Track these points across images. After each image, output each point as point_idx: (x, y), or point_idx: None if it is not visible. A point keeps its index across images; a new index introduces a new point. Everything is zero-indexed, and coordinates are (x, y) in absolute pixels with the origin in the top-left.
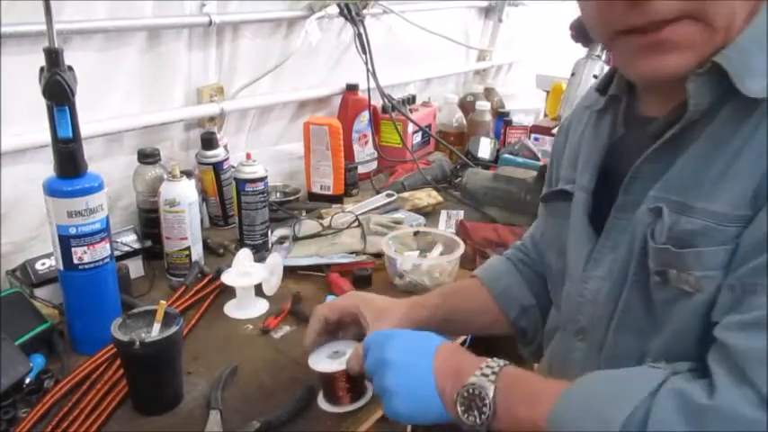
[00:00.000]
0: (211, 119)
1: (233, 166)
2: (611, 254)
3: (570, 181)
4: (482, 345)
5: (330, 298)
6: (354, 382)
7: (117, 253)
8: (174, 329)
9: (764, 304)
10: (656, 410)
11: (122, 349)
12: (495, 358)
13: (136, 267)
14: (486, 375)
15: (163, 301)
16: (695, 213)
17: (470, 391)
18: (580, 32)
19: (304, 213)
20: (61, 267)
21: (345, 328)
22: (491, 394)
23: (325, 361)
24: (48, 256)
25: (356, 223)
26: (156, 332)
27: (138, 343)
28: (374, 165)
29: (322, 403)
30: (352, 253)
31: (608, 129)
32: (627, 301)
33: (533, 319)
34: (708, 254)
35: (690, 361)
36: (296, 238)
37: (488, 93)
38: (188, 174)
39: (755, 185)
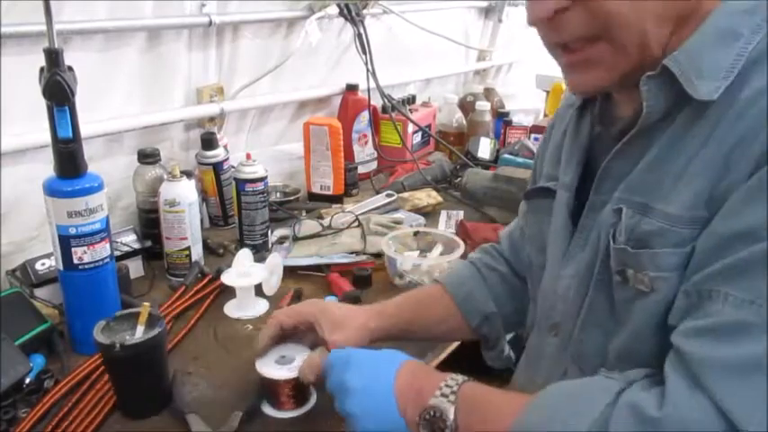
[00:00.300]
0: (211, 119)
1: (233, 167)
2: (582, 252)
3: (553, 178)
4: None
5: (329, 299)
6: (299, 389)
7: (117, 253)
8: (155, 332)
9: (719, 311)
10: (613, 423)
11: (104, 352)
12: (454, 375)
13: (136, 267)
14: (445, 396)
15: (146, 304)
16: (654, 215)
17: (431, 413)
18: None
19: (304, 213)
20: (61, 267)
21: (302, 335)
22: (452, 416)
23: (273, 366)
24: (48, 256)
25: (356, 223)
26: (139, 334)
27: (118, 345)
28: (374, 165)
29: (266, 408)
30: (352, 253)
31: (588, 127)
32: (592, 299)
33: (495, 327)
34: (661, 255)
35: (650, 359)
36: (296, 238)
37: (488, 93)
38: (188, 174)
39: (710, 187)
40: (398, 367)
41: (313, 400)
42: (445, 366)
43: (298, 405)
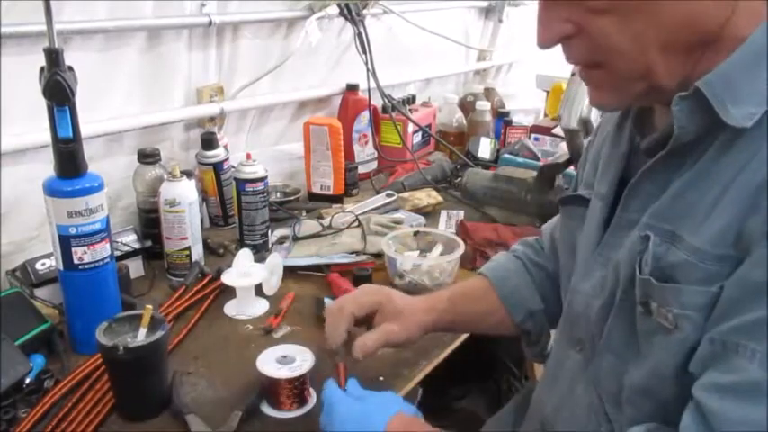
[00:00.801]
0: (211, 119)
1: (233, 167)
2: (601, 270)
3: (590, 185)
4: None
5: (329, 300)
6: (299, 389)
7: (117, 253)
8: (158, 335)
9: (745, 368)
10: None
11: (106, 354)
12: None
13: (136, 267)
14: None
15: (149, 306)
16: (681, 245)
17: None
18: None
19: (304, 213)
20: (61, 267)
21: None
22: None
23: (274, 365)
24: (48, 256)
25: (356, 223)
26: (141, 337)
27: (121, 348)
28: (374, 165)
29: (265, 408)
30: (352, 253)
31: (627, 135)
32: (612, 325)
33: (539, 323)
34: (687, 292)
35: (668, 400)
36: (296, 238)
37: (488, 93)
38: (188, 174)
39: (738, 224)
40: (388, 421)
41: (312, 401)
42: (448, 366)
43: (297, 405)
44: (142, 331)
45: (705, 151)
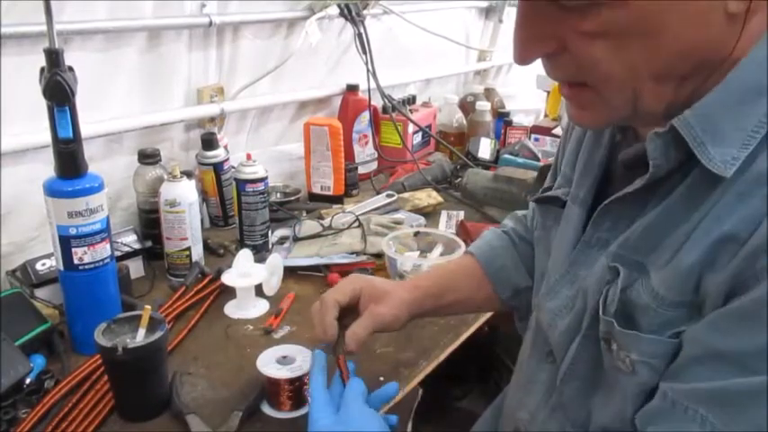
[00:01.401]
0: (212, 119)
1: (233, 167)
2: (568, 289)
3: (567, 183)
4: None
5: None
6: (299, 390)
7: (117, 253)
8: (157, 335)
9: None
10: None
11: (105, 355)
12: None
13: (136, 268)
14: None
15: (147, 306)
16: (647, 283)
17: None
18: None
19: (304, 214)
20: (61, 268)
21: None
22: None
23: (274, 366)
24: (48, 256)
25: (356, 224)
26: (140, 338)
27: (120, 349)
28: (374, 165)
29: (265, 408)
30: (352, 253)
31: (608, 138)
32: (576, 352)
33: (526, 299)
34: (646, 340)
35: None
36: (296, 239)
37: (488, 93)
38: (188, 174)
39: (699, 271)
40: None
41: None
42: (448, 366)
43: (297, 406)
44: (141, 332)
45: (676, 186)
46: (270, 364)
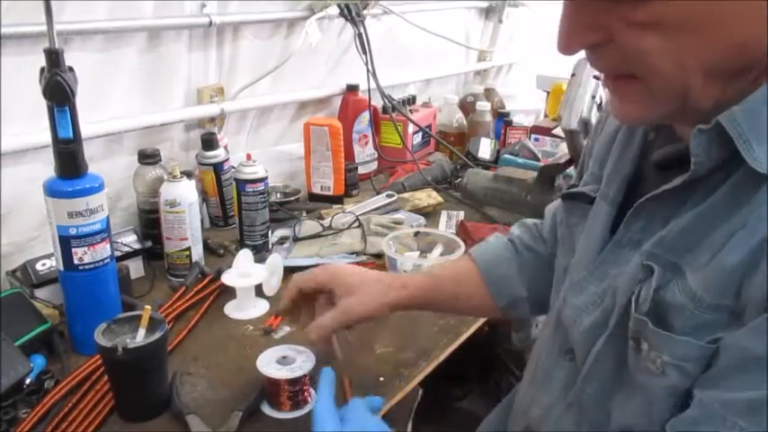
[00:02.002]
0: (212, 119)
1: (233, 167)
2: (596, 286)
3: (595, 181)
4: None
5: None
6: (297, 391)
7: (117, 253)
8: (157, 335)
9: None
10: None
11: (105, 355)
12: None
13: (136, 268)
14: None
15: (147, 306)
16: (682, 282)
17: None
18: None
19: (304, 214)
20: (61, 268)
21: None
22: None
23: (274, 366)
24: (48, 256)
25: (356, 224)
26: (140, 338)
27: (120, 349)
28: (374, 165)
29: (265, 408)
30: (352, 253)
31: (641, 136)
32: (601, 352)
33: (523, 311)
34: (680, 343)
35: None
36: (296, 239)
37: (488, 93)
38: (188, 174)
39: (741, 276)
40: None
41: (313, 402)
42: (448, 366)
43: (297, 406)
44: (141, 332)
45: (718, 186)
46: (270, 364)
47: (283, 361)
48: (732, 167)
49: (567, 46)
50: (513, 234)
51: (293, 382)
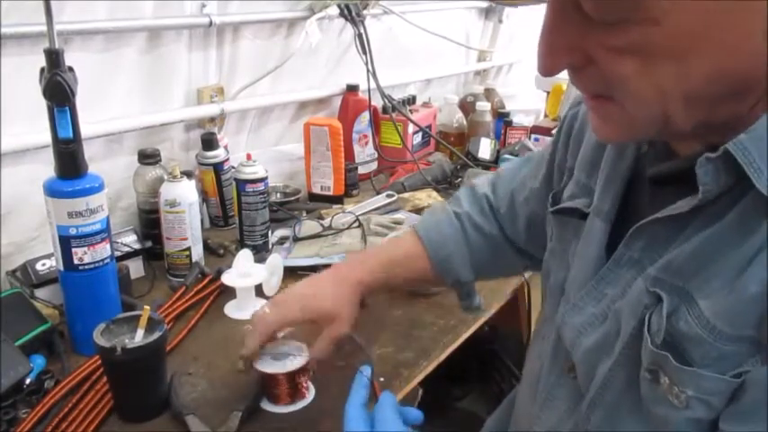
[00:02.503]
0: (212, 119)
1: (233, 167)
2: (594, 306)
3: (585, 190)
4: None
5: None
6: (295, 384)
7: (117, 253)
8: (156, 336)
9: None
10: None
11: (104, 355)
12: None
13: (136, 268)
14: None
15: (146, 307)
16: (694, 311)
17: None
18: None
19: (304, 214)
20: (61, 268)
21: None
22: None
23: (270, 362)
24: (48, 256)
25: (356, 224)
26: (139, 338)
27: (119, 349)
28: (374, 165)
29: (264, 404)
30: None
31: (633, 145)
32: (607, 377)
33: (468, 288)
34: (707, 378)
35: None
36: (296, 239)
37: (489, 93)
38: (188, 174)
39: (762, 309)
40: None
41: (310, 395)
42: (448, 366)
43: (295, 400)
44: (140, 332)
45: (726, 210)
46: (265, 360)
47: (279, 357)
48: (739, 192)
49: (547, 68)
50: (460, 206)
51: (290, 376)
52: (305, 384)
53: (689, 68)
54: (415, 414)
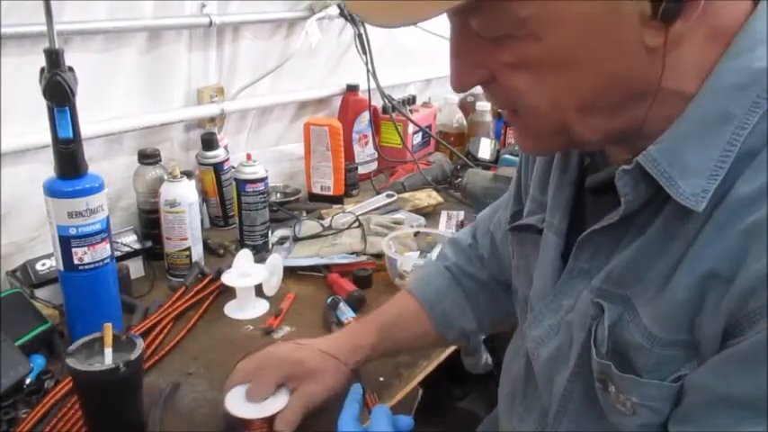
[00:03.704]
0: (212, 119)
1: (233, 167)
2: (551, 317)
3: (540, 206)
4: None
5: (344, 306)
6: (270, 427)
7: (117, 253)
8: (137, 353)
9: None
10: None
11: (78, 378)
12: None
13: (136, 268)
14: None
15: (108, 324)
16: (635, 319)
17: None
18: None
19: (304, 214)
20: (61, 268)
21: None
22: None
23: (244, 404)
24: (48, 256)
25: (356, 224)
26: (108, 358)
27: (122, 365)
28: (374, 165)
29: None
30: (352, 253)
31: (577, 158)
32: (566, 389)
33: (475, 341)
34: (648, 385)
35: None
36: (296, 239)
37: None
38: (188, 174)
39: (691, 311)
40: None
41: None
42: (448, 367)
43: None
44: (108, 351)
45: (651, 219)
46: (239, 399)
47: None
48: (662, 200)
49: (458, 83)
50: (447, 259)
51: (265, 420)
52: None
53: (576, 80)
54: (407, 422)
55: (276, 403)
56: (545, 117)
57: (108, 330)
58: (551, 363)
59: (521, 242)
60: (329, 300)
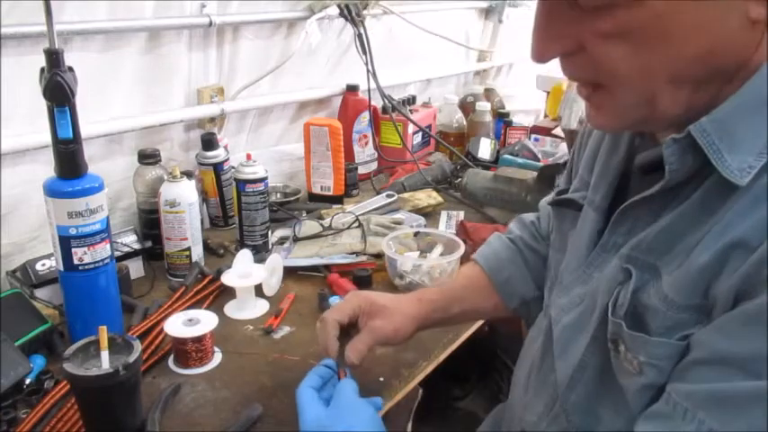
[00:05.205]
0: (212, 119)
1: (233, 167)
2: (580, 287)
3: (584, 187)
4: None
5: (334, 299)
6: (201, 349)
7: (117, 253)
8: (135, 355)
9: None
10: None
11: (101, 382)
12: None
13: (136, 268)
14: None
15: (102, 327)
16: (658, 284)
17: None
18: None
19: (304, 214)
20: (61, 268)
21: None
22: None
23: (180, 327)
24: (48, 256)
25: (356, 224)
26: (105, 361)
27: (122, 368)
28: (374, 165)
29: (172, 365)
30: (352, 253)
31: (627, 142)
32: (584, 355)
33: (535, 309)
34: (654, 343)
35: None
36: (296, 239)
37: (488, 93)
38: (188, 174)
39: (710, 277)
40: None
41: (216, 360)
42: (448, 366)
43: (201, 363)
44: (104, 354)
45: (695, 190)
46: (176, 324)
47: (189, 323)
48: (706, 175)
49: (540, 54)
50: (513, 233)
51: (197, 339)
52: (211, 350)
53: (674, 48)
54: (377, 402)
55: (206, 327)
56: (634, 88)
57: (103, 333)
58: (571, 330)
59: (560, 217)
60: (319, 293)
